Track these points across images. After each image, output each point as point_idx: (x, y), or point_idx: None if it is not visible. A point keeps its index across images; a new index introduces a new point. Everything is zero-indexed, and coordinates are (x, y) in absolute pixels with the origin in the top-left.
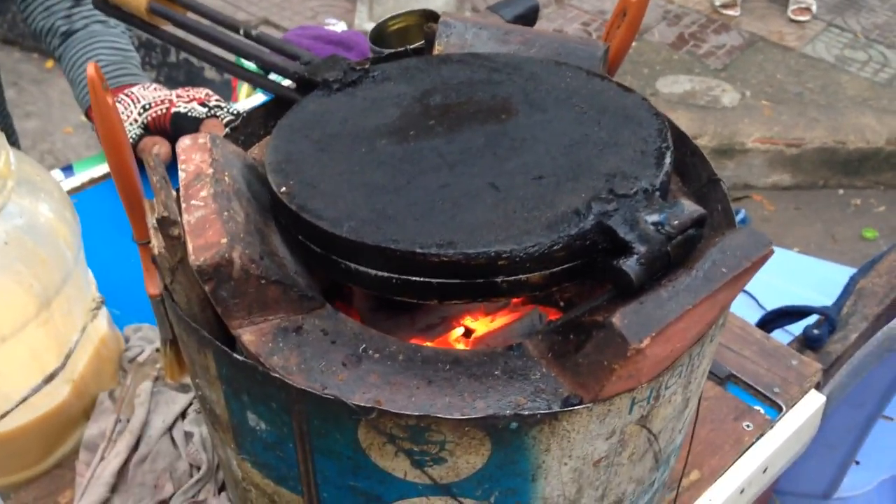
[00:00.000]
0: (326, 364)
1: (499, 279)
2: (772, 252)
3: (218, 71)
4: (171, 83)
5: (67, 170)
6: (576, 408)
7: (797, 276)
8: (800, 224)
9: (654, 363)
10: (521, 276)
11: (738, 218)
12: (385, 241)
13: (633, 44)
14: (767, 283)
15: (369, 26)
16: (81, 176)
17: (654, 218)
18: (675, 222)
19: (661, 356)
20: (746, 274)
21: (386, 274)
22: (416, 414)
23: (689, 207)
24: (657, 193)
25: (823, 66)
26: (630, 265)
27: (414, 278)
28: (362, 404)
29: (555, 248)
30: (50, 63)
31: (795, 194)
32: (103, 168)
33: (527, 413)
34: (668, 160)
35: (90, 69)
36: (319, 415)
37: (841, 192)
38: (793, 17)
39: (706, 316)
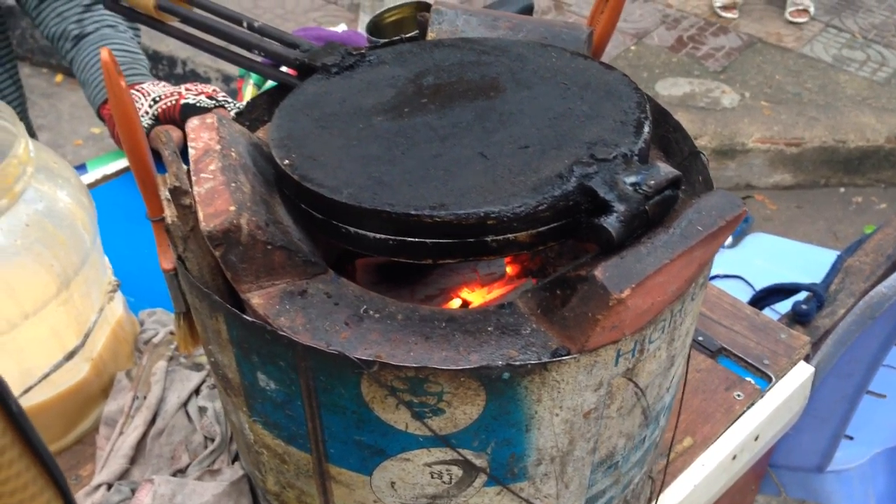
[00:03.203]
0: (330, 324)
1: (488, 238)
2: (745, 212)
3: (225, 81)
4: None
5: (81, 168)
6: (564, 358)
7: (788, 260)
8: (802, 223)
9: (636, 315)
10: (509, 235)
11: None
12: (382, 204)
13: (633, 47)
14: (759, 267)
15: None
16: (95, 173)
17: (633, 179)
18: (652, 182)
19: (643, 308)
20: (721, 232)
21: (383, 236)
22: (415, 366)
23: (665, 169)
24: (636, 158)
25: (822, 66)
26: (610, 222)
27: (409, 239)
28: (364, 358)
29: (540, 208)
30: (59, 77)
31: (797, 193)
32: (115, 165)
33: (518, 364)
34: (646, 129)
35: (104, 54)
36: (325, 371)
37: (842, 190)
38: (791, 18)
39: (684, 272)
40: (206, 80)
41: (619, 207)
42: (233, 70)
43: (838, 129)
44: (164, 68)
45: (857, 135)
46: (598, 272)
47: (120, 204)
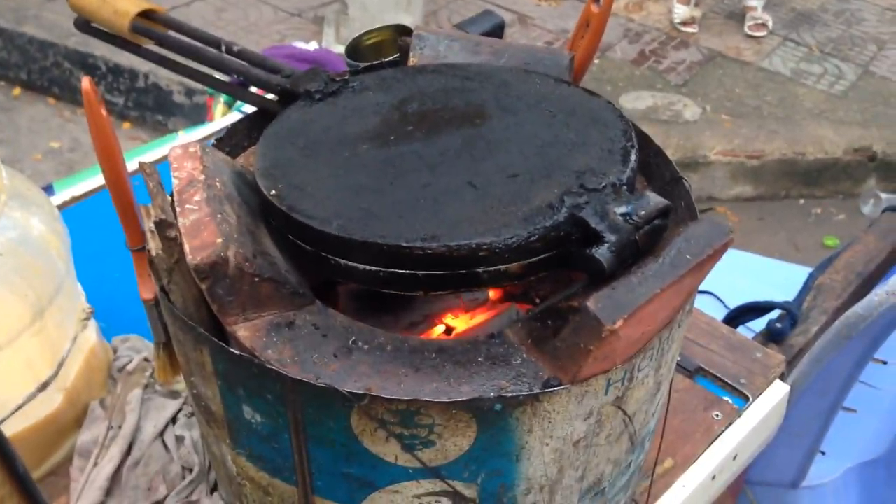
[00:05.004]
0: (319, 356)
1: (480, 269)
2: (732, 241)
3: (187, 95)
4: (139, 108)
5: (48, 189)
6: (555, 389)
7: (759, 277)
8: (763, 234)
9: (627, 345)
10: (500, 266)
11: None
12: (372, 236)
13: (596, 61)
14: (731, 284)
15: (337, 48)
16: (63, 195)
17: (623, 209)
18: (642, 212)
19: (633, 338)
20: (709, 261)
21: (374, 268)
22: (406, 398)
23: (655, 199)
24: (624, 187)
25: (780, 79)
26: (602, 253)
27: (400, 271)
28: (355, 391)
29: (532, 239)
30: (17, 91)
31: (758, 205)
32: (84, 186)
33: (510, 395)
34: (633, 157)
35: (85, 83)
36: (314, 404)
37: (802, 201)
38: (750, 32)
39: (673, 300)
40: (169, 94)
41: (610, 238)
42: (197, 85)
43: (797, 142)
44: (125, 82)
45: (816, 147)
46: (591, 303)
47: (90, 226)
